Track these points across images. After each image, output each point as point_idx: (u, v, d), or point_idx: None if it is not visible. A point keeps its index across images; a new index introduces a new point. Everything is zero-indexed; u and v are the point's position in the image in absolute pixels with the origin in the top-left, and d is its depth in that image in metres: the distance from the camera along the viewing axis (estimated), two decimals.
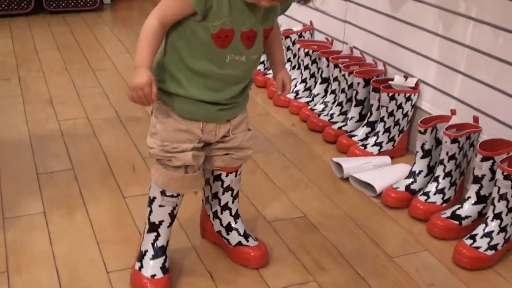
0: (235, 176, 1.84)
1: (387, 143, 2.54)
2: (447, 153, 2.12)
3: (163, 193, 1.70)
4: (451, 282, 1.84)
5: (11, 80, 3.36)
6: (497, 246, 1.91)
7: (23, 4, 4.66)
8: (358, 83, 2.68)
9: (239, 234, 1.88)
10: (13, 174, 2.37)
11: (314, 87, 3.06)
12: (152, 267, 1.72)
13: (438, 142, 2.22)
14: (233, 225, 1.89)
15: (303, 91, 3.09)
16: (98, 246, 1.95)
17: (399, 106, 2.49)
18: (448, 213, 2.06)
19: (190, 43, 1.55)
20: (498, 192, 1.89)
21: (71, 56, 3.80)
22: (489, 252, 1.90)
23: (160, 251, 1.74)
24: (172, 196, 1.70)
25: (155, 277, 1.71)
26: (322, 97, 2.98)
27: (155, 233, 1.75)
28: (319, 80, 3.01)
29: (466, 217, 2.04)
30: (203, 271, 1.85)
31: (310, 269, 1.87)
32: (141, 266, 1.73)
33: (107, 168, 2.43)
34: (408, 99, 2.49)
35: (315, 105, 2.94)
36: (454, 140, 2.09)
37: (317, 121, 2.82)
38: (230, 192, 1.86)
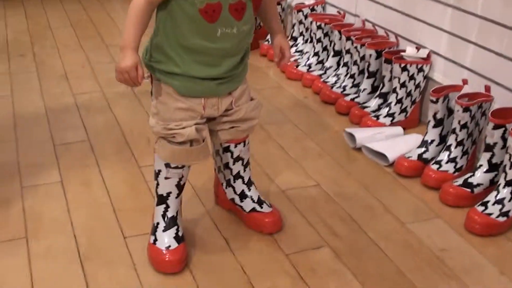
0: (244, 146, 1.86)
1: (399, 114, 2.56)
2: (459, 122, 2.14)
3: (167, 165, 1.71)
4: (463, 247, 1.87)
5: (26, 56, 3.39)
6: (508, 213, 1.93)
7: None
8: (370, 55, 2.69)
9: (253, 201, 1.90)
10: (30, 146, 2.41)
11: (327, 60, 3.07)
12: (166, 238, 1.74)
13: (450, 112, 2.24)
14: (246, 192, 1.91)
15: (316, 64, 3.11)
16: (114, 213, 1.99)
17: (411, 77, 2.50)
18: (460, 181, 2.08)
19: (179, 21, 1.54)
20: (510, 159, 1.91)
21: (84, 32, 3.83)
22: (501, 219, 1.92)
23: (172, 222, 1.76)
24: (177, 167, 1.72)
25: (170, 248, 1.73)
26: (335, 70, 3.00)
27: (164, 205, 1.76)
28: (332, 53, 3.02)
29: (478, 184, 2.06)
30: (219, 237, 1.89)
31: (323, 235, 1.90)
32: (156, 239, 1.75)
33: (123, 139, 2.46)
34: (420, 70, 2.50)
35: (328, 77, 2.95)
36: (466, 109, 2.10)
37: (330, 93, 2.83)
38: (240, 162, 1.88)
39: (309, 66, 3.11)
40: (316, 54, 3.12)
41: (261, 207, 1.90)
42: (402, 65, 2.48)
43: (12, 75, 3.12)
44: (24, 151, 2.36)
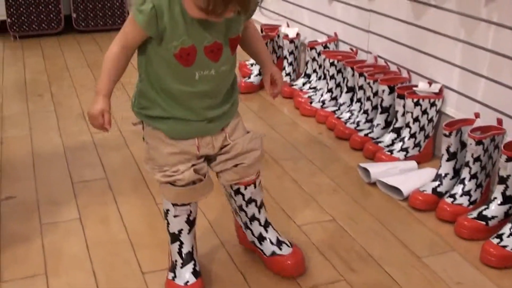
0: (254, 187, 1.82)
1: (413, 148, 2.58)
2: (472, 155, 2.15)
3: (175, 204, 1.73)
4: (479, 280, 1.87)
5: (43, 96, 3.46)
6: None
7: (53, 24, 4.79)
8: (383, 91, 2.72)
9: (272, 243, 1.87)
10: (49, 183, 2.45)
11: (340, 96, 3.11)
12: (184, 274, 1.76)
13: (463, 145, 2.26)
14: (264, 234, 1.88)
15: (330, 100, 3.14)
16: (132, 249, 2.01)
17: (424, 112, 2.53)
18: (474, 214, 2.09)
19: (158, 66, 1.56)
20: None
21: (101, 72, 3.88)
22: None
23: (188, 258, 1.77)
24: (183, 204, 1.73)
25: (189, 283, 1.74)
26: (348, 106, 3.03)
27: (178, 242, 1.77)
28: (345, 89, 3.06)
29: (493, 217, 2.06)
30: (235, 271, 1.90)
31: (340, 269, 1.91)
32: (174, 276, 1.77)
33: (140, 176, 2.50)
34: (432, 104, 2.52)
35: (342, 113, 2.99)
36: (478, 142, 2.12)
37: (344, 129, 2.86)
38: (253, 203, 1.84)
39: (323, 102, 3.14)
40: (329, 90, 3.16)
41: (281, 249, 1.86)
42: (415, 100, 2.51)
43: (31, 114, 3.18)
44: (43, 189, 2.40)
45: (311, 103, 3.17)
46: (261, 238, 1.88)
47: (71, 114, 3.18)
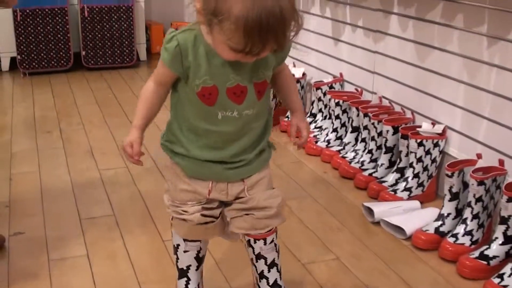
0: (264, 244, 1.75)
1: (416, 188, 2.61)
2: (474, 196, 2.19)
3: (185, 239, 1.75)
4: None
5: (52, 133, 3.52)
6: None
7: (62, 61, 4.87)
8: (388, 131, 2.77)
9: None
10: (57, 219, 2.49)
11: (345, 136, 3.15)
12: None
13: (466, 185, 2.29)
14: None
15: (335, 140, 3.19)
16: (139, 286, 2.04)
17: (427, 152, 2.57)
18: (476, 253, 2.11)
19: (184, 104, 1.59)
20: None
21: (109, 110, 3.96)
22: None
23: None
24: (194, 240, 1.75)
25: None
26: (353, 145, 3.07)
27: (185, 278, 1.80)
28: (350, 129, 3.11)
29: (494, 257, 2.09)
30: None
31: None
32: None
33: (147, 213, 2.54)
34: (436, 145, 2.56)
35: (346, 153, 3.03)
36: (480, 183, 2.16)
37: (348, 168, 2.90)
38: (263, 261, 1.78)
39: (328, 142, 3.19)
40: (334, 130, 3.21)
41: None
42: (419, 140, 2.55)
43: (40, 151, 3.23)
44: (51, 225, 2.44)
45: (316, 142, 3.21)
46: None
47: (79, 151, 3.23)
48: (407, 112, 2.87)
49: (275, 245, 1.79)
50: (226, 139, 1.60)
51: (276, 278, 1.80)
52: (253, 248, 1.76)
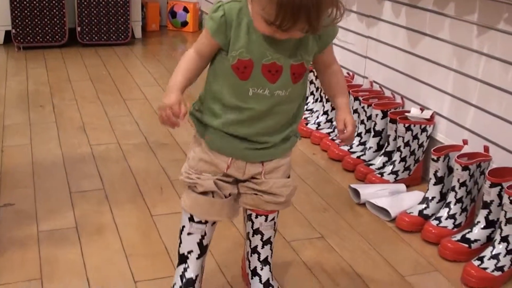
0: (265, 220, 1.78)
1: (403, 171, 2.65)
2: (458, 180, 2.23)
3: (191, 219, 1.72)
4: None
5: (45, 107, 3.53)
6: (503, 268, 2.00)
7: (57, 37, 4.87)
8: (377, 115, 2.80)
9: (260, 282, 1.84)
10: (47, 192, 2.52)
11: (335, 119, 3.18)
12: None
13: (450, 170, 2.33)
14: (258, 270, 1.85)
15: (325, 122, 3.22)
16: (126, 259, 2.08)
17: (415, 137, 2.61)
18: (458, 236, 2.16)
19: (218, 77, 1.58)
20: (505, 216, 1.99)
21: (103, 86, 3.98)
22: (496, 273, 1.99)
23: (188, 284, 1.76)
24: (200, 222, 1.72)
25: None
26: None
27: (184, 265, 1.77)
28: None
29: (476, 240, 2.14)
30: None
31: (325, 286, 1.98)
32: None
33: (136, 189, 2.57)
34: (423, 130, 2.60)
35: (336, 135, 3.06)
36: (465, 168, 2.20)
37: (337, 151, 2.94)
38: (259, 236, 1.80)
39: (318, 124, 3.22)
40: (325, 113, 3.24)
41: None
42: (407, 125, 2.59)
43: (32, 125, 3.25)
44: (41, 197, 2.47)
45: (306, 124, 3.24)
46: (254, 273, 1.85)
47: (71, 126, 3.25)
48: (397, 97, 2.91)
49: (275, 223, 1.81)
50: (253, 116, 1.58)
51: (267, 256, 1.84)
52: (253, 222, 1.79)
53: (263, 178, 1.68)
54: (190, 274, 1.77)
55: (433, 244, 2.23)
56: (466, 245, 2.13)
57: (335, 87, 1.71)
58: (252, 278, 1.84)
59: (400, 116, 2.64)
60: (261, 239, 1.81)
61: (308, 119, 3.30)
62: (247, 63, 1.51)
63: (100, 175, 2.68)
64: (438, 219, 2.27)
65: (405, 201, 2.46)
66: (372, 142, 2.87)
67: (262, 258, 1.84)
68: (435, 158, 2.31)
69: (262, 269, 1.84)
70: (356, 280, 2.02)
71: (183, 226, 1.75)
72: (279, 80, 1.54)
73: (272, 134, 1.63)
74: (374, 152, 2.85)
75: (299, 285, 1.98)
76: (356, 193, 2.54)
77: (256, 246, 1.82)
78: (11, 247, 2.12)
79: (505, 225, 2.00)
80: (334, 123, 3.15)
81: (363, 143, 2.93)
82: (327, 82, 1.71)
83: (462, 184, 2.23)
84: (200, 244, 1.76)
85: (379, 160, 2.76)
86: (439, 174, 2.33)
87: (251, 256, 1.84)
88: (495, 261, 2.01)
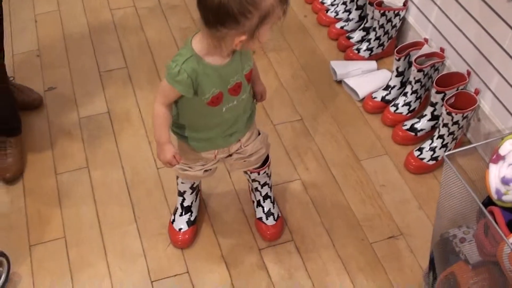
0: (258, 174, 2.20)
1: (377, 48, 3.13)
2: (414, 78, 2.74)
3: None
4: (398, 184, 2.55)
5: None
6: (437, 158, 2.61)
7: None
8: None
9: (263, 212, 2.30)
10: (81, 73, 2.98)
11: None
12: (180, 221, 2.27)
13: (411, 65, 2.82)
14: (261, 202, 2.31)
15: None
16: (150, 146, 2.64)
17: (389, 20, 3.04)
18: (408, 125, 2.73)
19: (189, 109, 1.83)
20: (443, 121, 2.55)
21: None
22: (431, 162, 2.60)
23: (186, 210, 2.27)
24: None
25: (182, 230, 2.26)
26: None
27: (182, 197, 2.26)
28: None
29: (421, 129, 2.71)
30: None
31: (298, 169, 2.58)
32: (174, 220, 2.28)
33: (153, 66, 3.04)
34: (397, 14, 3.02)
35: None
36: (420, 70, 2.70)
37: (325, 17, 3.38)
38: (257, 183, 2.26)
39: None
40: None
41: (267, 219, 2.30)
42: (381, 11, 3.01)
43: None
44: (77, 79, 2.93)
45: None
46: (258, 204, 2.32)
47: None
48: None
49: (267, 174, 2.25)
50: (228, 120, 1.89)
51: (267, 192, 2.31)
52: (249, 175, 2.23)
53: (243, 147, 2.02)
54: (187, 203, 2.28)
55: (389, 127, 2.77)
56: (413, 134, 2.71)
57: (255, 74, 1.97)
58: (257, 207, 2.34)
59: (376, 2, 3.04)
60: (259, 183, 2.27)
61: None
62: (218, 95, 1.77)
63: (122, 51, 3.12)
64: (396, 105, 2.82)
65: (373, 82, 2.97)
66: (354, 14, 3.29)
67: (263, 194, 2.31)
68: (397, 58, 2.79)
69: (264, 201, 2.32)
70: (322, 164, 2.58)
71: (177, 176, 2.19)
72: (242, 90, 1.82)
73: (241, 120, 1.95)
74: (356, 22, 3.29)
75: (279, 168, 2.53)
76: (334, 70, 3.05)
77: (256, 187, 2.29)
78: (61, 137, 2.65)
79: (442, 127, 2.56)
80: None
81: (348, 11, 3.34)
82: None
83: (417, 81, 2.74)
84: (191, 187, 2.24)
85: (358, 34, 3.21)
86: (400, 69, 2.83)
87: (254, 192, 2.32)
88: (432, 153, 2.60)
